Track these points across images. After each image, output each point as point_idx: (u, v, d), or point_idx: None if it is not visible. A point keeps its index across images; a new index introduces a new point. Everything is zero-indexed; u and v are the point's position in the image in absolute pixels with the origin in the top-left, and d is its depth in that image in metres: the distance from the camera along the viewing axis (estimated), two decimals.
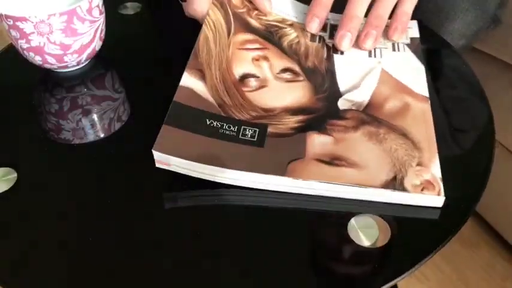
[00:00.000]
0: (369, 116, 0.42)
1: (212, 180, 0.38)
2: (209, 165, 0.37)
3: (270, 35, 0.50)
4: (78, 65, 0.50)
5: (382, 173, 0.37)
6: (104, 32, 0.51)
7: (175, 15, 0.56)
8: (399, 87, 0.45)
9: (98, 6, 0.48)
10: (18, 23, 0.45)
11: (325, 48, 0.49)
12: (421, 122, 0.41)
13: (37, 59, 0.48)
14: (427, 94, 0.44)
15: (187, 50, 0.47)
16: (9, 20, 0.45)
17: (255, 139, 0.40)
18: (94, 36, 0.49)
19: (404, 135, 0.40)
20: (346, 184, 0.37)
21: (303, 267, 0.34)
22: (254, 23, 0.51)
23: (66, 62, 0.48)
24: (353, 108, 0.43)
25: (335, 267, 0.34)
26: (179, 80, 0.43)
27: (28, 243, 0.36)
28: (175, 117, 0.40)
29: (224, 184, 0.38)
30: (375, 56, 0.48)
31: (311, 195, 0.37)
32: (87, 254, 0.35)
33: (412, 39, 0.51)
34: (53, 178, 0.41)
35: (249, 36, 0.49)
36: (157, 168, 0.39)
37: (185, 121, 0.40)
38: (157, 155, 0.38)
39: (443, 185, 0.37)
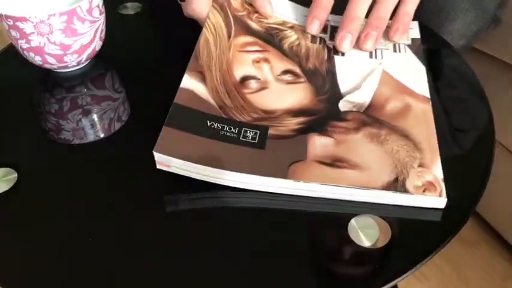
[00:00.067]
0: (370, 117, 0.42)
1: (212, 182, 0.38)
2: (210, 167, 0.37)
3: (271, 38, 0.50)
4: (78, 65, 0.50)
5: (384, 174, 0.37)
6: (104, 32, 0.51)
7: (175, 15, 0.56)
8: (400, 88, 0.45)
9: (98, 6, 0.48)
10: (18, 23, 0.44)
11: (325, 50, 0.49)
12: (423, 123, 0.41)
13: (37, 59, 0.48)
14: (428, 95, 0.44)
15: (187, 50, 0.47)
16: (9, 20, 0.45)
17: (256, 141, 0.40)
18: (94, 36, 0.49)
19: (405, 136, 0.40)
20: (348, 186, 0.37)
21: (304, 268, 0.34)
22: (254, 25, 0.51)
23: (66, 62, 0.48)
24: (354, 109, 0.43)
25: (335, 267, 0.34)
26: (179, 80, 0.43)
27: (28, 243, 0.36)
28: (175, 119, 0.40)
29: (224, 186, 0.38)
30: (375, 57, 0.48)
31: (310, 197, 0.37)
32: (87, 254, 0.35)
33: (413, 40, 0.51)
34: (53, 178, 0.40)
35: (250, 38, 0.49)
36: (158, 168, 0.39)
37: (186, 123, 0.40)
38: (158, 156, 0.38)
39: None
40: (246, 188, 0.38)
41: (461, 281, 0.98)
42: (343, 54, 0.49)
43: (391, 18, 0.49)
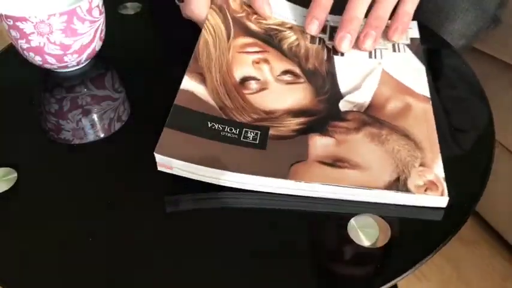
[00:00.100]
0: (371, 117, 0.42)
1: (214, 183, 0.38)
2: (211, 168, 0.37)
3: (270, 38, 0.50)
4: (78, 65, 0.50)
5: (385, 174, 0.37)
6: (104, 32, 0.51)
7: (175, 15, 0.56)
8: (400, 88, 0.45)
9: (97, 6, 0.48)
10: (18, 23, 0.45)
11: (325, 50, 0.49)
12: (423, 122, 0.41)
13: (37, 59, 0.48)
14: (428, 94, 0.44)
15: (187, 50, 0.47)
16: (9, 20, 0.45)
17: (257, 141, 0.40)
18: (94, 36, 0.49)
19: (406, 136, 0.40)
20: (350, 186, 0.37)
21: (303, 268, 0.34)
22: (253, 27, 0.51)
23: (66, 62, 0.48)
24: (354, 109, 0.43)
25: (335, 267, 0.34)
26: (179, 80, 0.43)
27: (28, 243, 0.36)
28: (176, 120, 0.40)
29: (225, 186, 0.38)
30: (375, 57, 0.48)
31: (310, 196, 0.37)
32: (86, 254, 0.35)
33: (412, 39, 0.51)
34: (53, 178, 0.40)
35: (249, 39, 0.49)
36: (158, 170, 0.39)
37: (186, 124, 0.40)
38: (159, 157, 0.38)
39: None
40: (247, 188, 0.38)
41: (461, 281, 0.98)
42: (342, 54, 0.49)
43: (390, 18, 0.49)
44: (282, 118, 0.42)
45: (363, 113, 0.42)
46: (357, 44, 0.49)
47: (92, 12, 0.47)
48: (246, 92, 0.44)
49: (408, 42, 0.50)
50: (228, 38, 0.49)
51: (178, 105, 0.41)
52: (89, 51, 0.49)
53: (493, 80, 0.86)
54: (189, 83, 0.43)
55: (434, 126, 0.41)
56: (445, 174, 0.37)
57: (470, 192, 0.38)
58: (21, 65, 0.50)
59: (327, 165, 0.38)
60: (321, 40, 0.50)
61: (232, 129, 0.40)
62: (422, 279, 0.98)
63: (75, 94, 0.48)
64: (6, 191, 0.39)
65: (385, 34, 0.50)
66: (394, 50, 0.49)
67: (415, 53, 0.49)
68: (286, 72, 0.46)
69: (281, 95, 0.44)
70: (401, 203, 0.37)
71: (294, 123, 0.41)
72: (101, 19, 0.49)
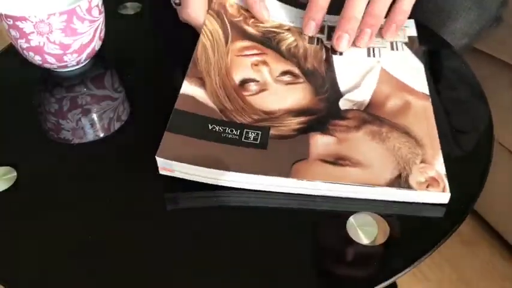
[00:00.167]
0: (371, 115, 0.42)
1: (216, 183, 0.38)
2: (213, 169, 0.37)
3: (268, 41, 0.50)
4: (77, 64, 0.50)
5: (387, 171, 0.37)
6: (103, 32, 0.51)
7: (175, 15, 0.56)
8: (399, 86, 0.45)
9: (97, 5, 0.48)
10: (18, 23, 0.45)
11: (323, 50, 0.49)
12: (423, 120, 0.41)
13: (37, 59, 0.48)
14: (427, 92, 0.44)
15: (187, 50, 0.47)
16: (9, 19, 0.45)
17: (258, 141, 0.40)
18: (94, 35, 0.49)
19: (406, 133, 0.40)
20: (352, 184, 0.37)
21: (303, 266, 0.34)
22: (251, 30, 0.51)
23: (66, 61, 0.48)
24: (354, 108, 0.43)
25: (334, 265, 0.34)
26: (178, 80, 0.43)
27: (27, 242, 0.36)
28: (177, 124, 0.40)
29: (226, 186, 0.38)
30: (373, 56, 0.48)
31: (309, 195, 0.38)
32: (86, 253, 0.35)
33: (409, 38, 0.51)
34: (52, 177, 0.40)
35: (247, 43, 0.49)
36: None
37: (187, 127, 0.40)
38: (160, 161, 0.38)
39: None
40: (250, 188, 0.38)
41: (461, 281, 0.98)
42: (341, 53, 0.49)
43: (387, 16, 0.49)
44: (283, 118, 0.42)
45: (363, 111, 0.43)
46: (353, 42, 0.49)
47: (91, 12, 0.47)
48: (245, 93, 0.44)
49: (406, 40, 0.50)
50: (226, 42, 0.49)
51: (179, 109, 0.42)
52: (88, 50, 0.49)
53: (492, 79, 0.86)
54: (188, 88, 0.44)
55: (434, 124, 0.41)
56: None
57: (469, 192, 0.38)
58: (21, 65, 0.50)
59: (328, 164, 0.38)
60: (319, 40, 0.50)
61: (233, 130, 0.40)
62: (422, 279, 0.98)
63: (75, 94, 0.48)
64: (5, 190, 0.39)
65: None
66: (392, 49, 0.49)
67: (413, 51, 0.49)
68: (285, 72, 0.46)
69: (281, 95, 0.44)
70: (403, 200, 0.37)
71: (294, 122, 0.41)
72: (101, 19, 0.49)
